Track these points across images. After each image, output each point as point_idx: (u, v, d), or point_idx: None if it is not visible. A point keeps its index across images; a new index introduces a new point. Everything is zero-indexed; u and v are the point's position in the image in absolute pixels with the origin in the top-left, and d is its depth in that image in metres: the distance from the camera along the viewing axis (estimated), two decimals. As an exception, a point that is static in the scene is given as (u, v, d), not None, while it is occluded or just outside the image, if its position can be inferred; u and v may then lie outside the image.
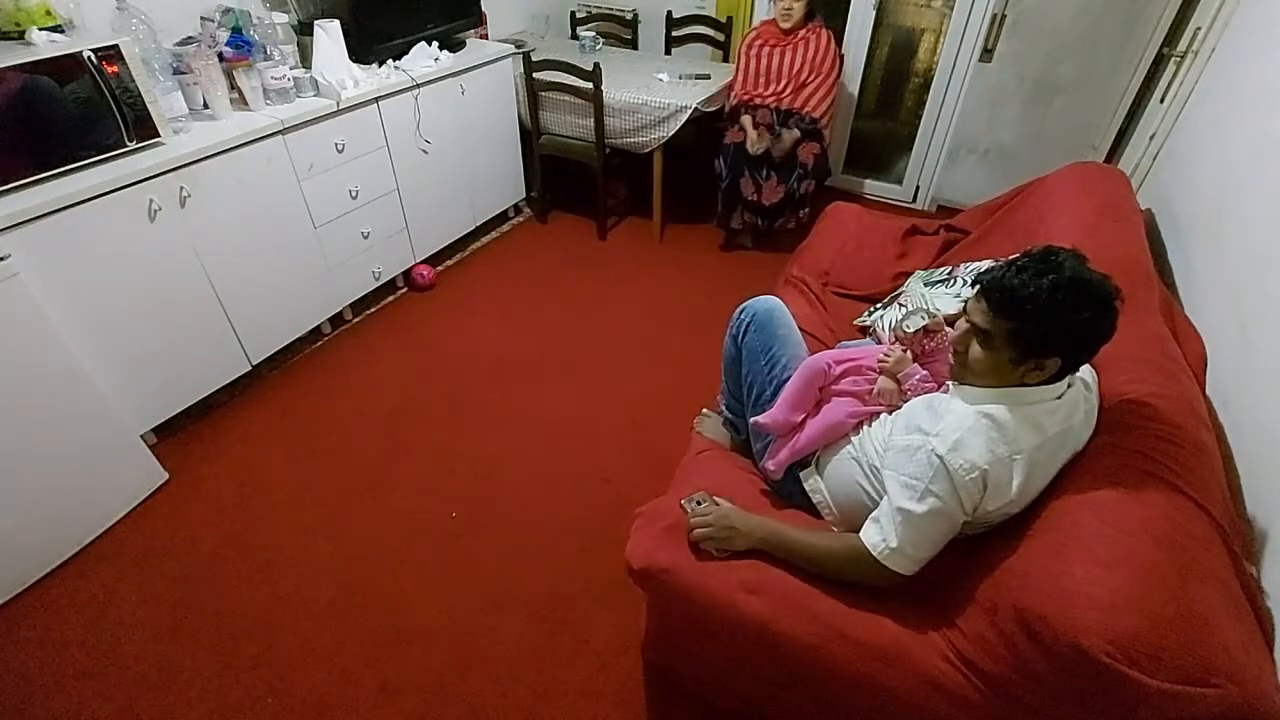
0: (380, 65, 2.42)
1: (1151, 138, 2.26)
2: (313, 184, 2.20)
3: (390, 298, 2.76)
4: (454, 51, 2.67)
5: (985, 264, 1.61)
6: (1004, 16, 2.87)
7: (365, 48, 2.36)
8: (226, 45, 2.04)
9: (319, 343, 2.49)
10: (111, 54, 1.66)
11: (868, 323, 1.86)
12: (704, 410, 1.68)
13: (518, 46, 3.02)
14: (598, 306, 2.74)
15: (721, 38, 3.50)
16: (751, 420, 1.40)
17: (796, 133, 2.78)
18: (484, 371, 2.36)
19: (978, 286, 1.03)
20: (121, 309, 1.78)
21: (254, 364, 2.21)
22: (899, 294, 1.86)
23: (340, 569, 1.70)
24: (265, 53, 2.13)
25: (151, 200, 1.76)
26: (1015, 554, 0.99)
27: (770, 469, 1.36)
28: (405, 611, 1.61)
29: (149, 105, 1.75)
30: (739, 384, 1.51)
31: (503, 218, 3.30)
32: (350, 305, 2.57)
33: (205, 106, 1.99)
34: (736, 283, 2.69)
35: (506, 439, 2.09)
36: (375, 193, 2.47)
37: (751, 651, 1.15)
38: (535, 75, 2.88)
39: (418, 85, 2.44)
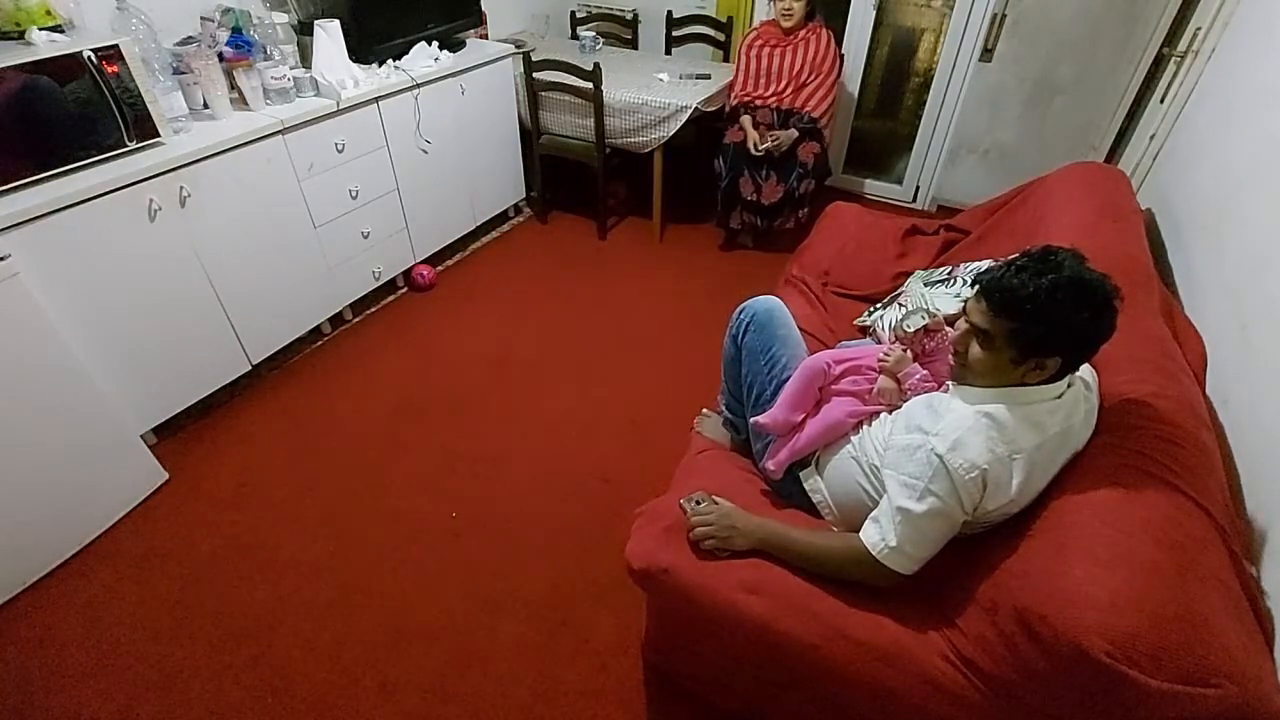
0: (380, 65, 2.42)
1: (1151, 138, 2.26)
2: (313, 184, 2.20)
3: (390, 298, 2.76)
4: (454, 51, 2.67)
5: (985, 264, 1.61)
6: (1004, 16, 2.87)
7: (365, 48, 2.36)
8: (226, 45, 2.04)
9: (319, 343, 2.49)
10: (111, 54, 1.66)
11: (868, 322, 1.86)
12: (704, 410, 1.68)
13: (518, 46, 3.02)
14: (597, 306, 2.74)
15: (722, 38, 3.50)
16: (751, 420, 1.40)
17: (794, 131, 2.78)
18: (484, 371, 2.36)
19: (977, 287, 1.03)
20: (121, 309, 1.78)
21: (254, 364, 2.21)
22: (899, 294, 1.86)
23: (340, 569, 1.70)
24: (265, 53, 2.13)
25: (151, 200, 1.76)
26: (1015, 554, 0.99)
27: (770, 469, 1.36)
28: (405, 611, 1.61)
29: (149, 105, 1.75)
30: (739, 384, 1.51)
31: (503, 218, 3.30)
32: (350, 305, 2.57)
33: (205, 106, 1.99)
34: (736, 282, 2.70)
35: (506, 439, 2.09)
36: (375, 193, 2.47)
37: (752, 651, 1.15)
38: (535, 75, 2.88)
39: (418, 85, 2.44)
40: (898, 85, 3.52)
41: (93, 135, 1.68)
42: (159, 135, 1.80)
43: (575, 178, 3.27)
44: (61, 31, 1.70)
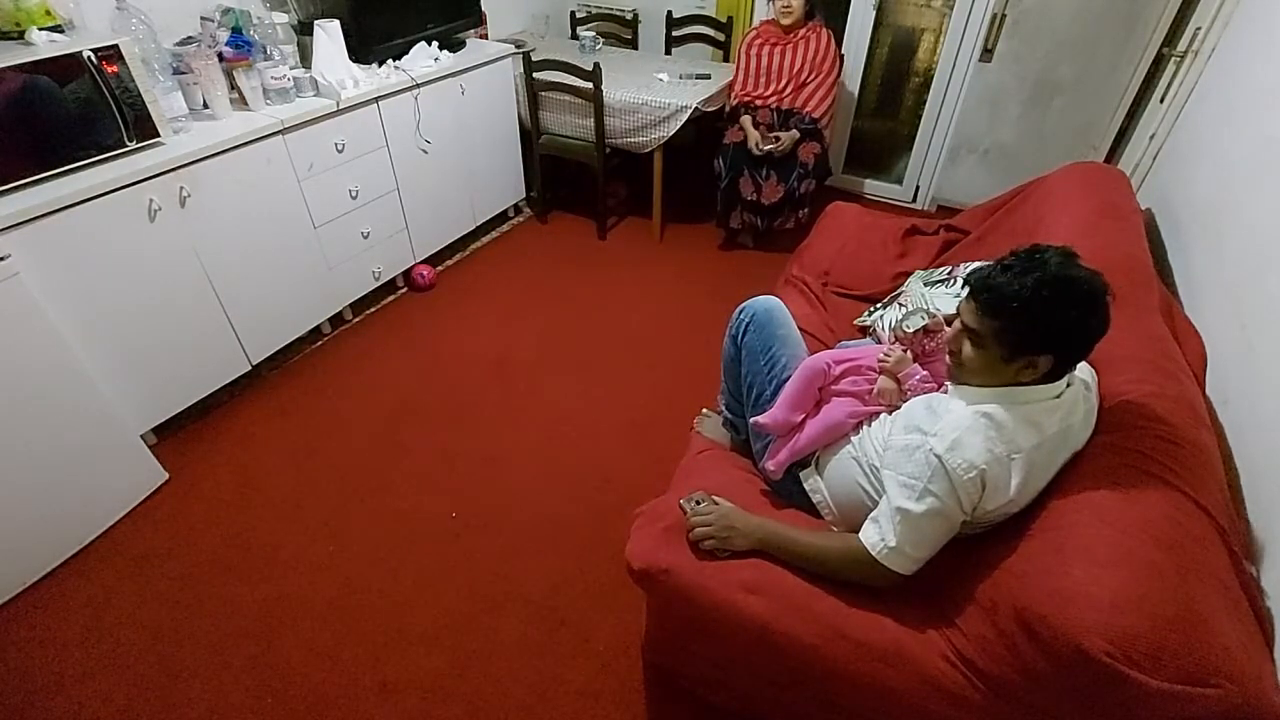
0: (380, 65, 2.42)
1: (1151, 137, 2.26)
2: (313, 184, 2.20)
3: (390, 297, 2.76)
4: (454, 51, 2.67)
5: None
6: (1004, 16, 2.87)
7: (365, 48, 2.36)
8: (226, 45, 2.04)
9: (319, 342, 2.49)
10: (111, 54, 1.66)
11: (868, 322, 1.86)
12: (704, 410, 1.68)
13: (518, 46, 3.02)
14: (597, 306, 2.74)
15: (722, 38, 3.50)
16: (751, 420, 1.40)
17: (796, 132, 2.78)
18: (484, 371, 2.36)
19: (967, 287, 1.03)
20: (121, 308, 1.79)
21: (254, 364, 2.21)
22: (899, 294, 1.86)
23: (340, 568, 1.70)
24: (265, 53, 2.13)
25: (151, 200, 1.76)
26: (1015, 554, 0.99)
27: (770, 469, 1.36)
28: (405, 611, 1.61)
29: (149, 105, 1.75)
30: (739, 384, 1.51)
31: (503, 217, 3.30)
32: (350, 305, 2.57)
33: (205, 106, 1.99)
34: (737, 282, 2.69)
35: (506, 439, 2.09)
36: (375, 193, 2.47)
37: (752, 652, 1.14)
38: (535, 75, 2.88)
39: (418, 85, 2.44)
40: (898, 85, 3.52)
41: (92, 135, 1.68)
42: (159, 135, 1.80)
43: (575, 178, 3.27)
44: (61, 31, 1.70)
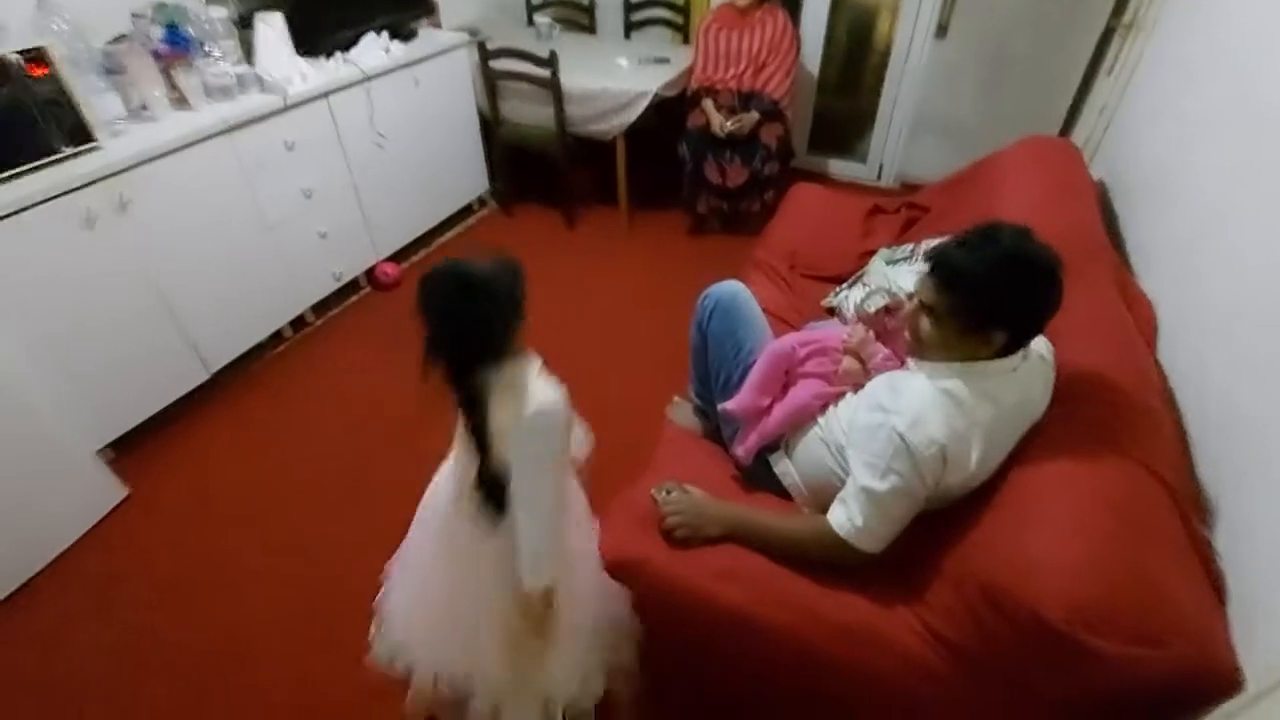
0: (328, 58, 2.35)
1: (1102, 110, 2.30)
2: (263, 184, 2.13)
3: (353, 297, 2.70)
4: (406, 42, 2.60)
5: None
6: (957, -8, 2.89)
7: (311, 40, 2.28)
8: (161, 42, 1.95)
9: (280, 347, 2.43)
10: (37, 56, 1.58)
11: (833, 303, 1.87)
12: (675, 398, 1.68)
13: (472, 35, 2.95)
14: (568, 296, 2.71)
15: (681, 20, 3.46)
16: (719, 406, 1.40)
17: (755, 114, 2.77)
18: (452, 369, 2.32)
19: (927, 264, 1.04)
20: (65, 322, 1.71)
21: (212, 373, 2.15)
22: (863, 273, 1.88)
23: (311, 583, 1.66)
24: (204, 49, 2.05)
25: (89, 208, 1.68)
26: (978, 526, 1.01)
27: (740, 455, 1.36)
28: (381, 618, 1.58)
29: (80, 108, 1.67)
30: (706, 371, 1.50)
31: (467, 211, 3.24)
32: (311, 308, 2.51)
33: (144, 108, 1.91)
34: (706, 267, 2.67)
35: (478, 437, 2.06)
36: (330, 191, 2.40)
37: (729, 639, 1.15)
38: (491, 64, 2.82)
39: (369, 78, 2.37)
40: (858, 64, 3.52)
41: (21, 143, 1.60)
42: (94, 139, 1.72)
43: (539, 167, 3.22)
44: (-21, 34, 1.61)
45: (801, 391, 1.31)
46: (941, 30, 2.99)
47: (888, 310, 1.33)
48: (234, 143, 2.00)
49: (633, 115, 2.76)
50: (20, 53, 1.56)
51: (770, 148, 2.78)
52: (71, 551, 1.73)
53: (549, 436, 0.97)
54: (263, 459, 2.00)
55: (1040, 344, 1.13)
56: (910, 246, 1.82)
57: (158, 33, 1.97)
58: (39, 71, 1.60)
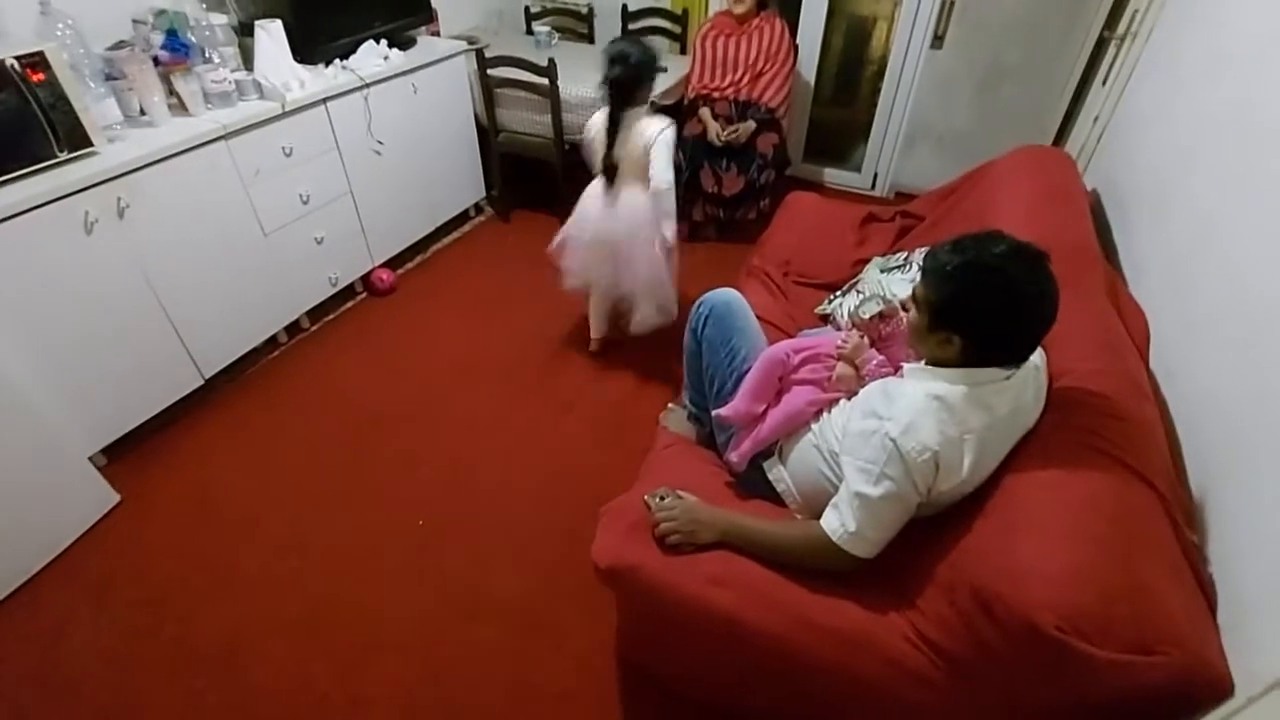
0: (327, 65, 2.36)
1: (1096, 119, 2.32)
2: (260, 190, 2.14)
3: (349, 303, 2.70)
4: (404, 49, 2.61)
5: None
6: (953, 3, 2.91)
7: (310, 48, 2.29)
8: (161, 49, 1.96)
9: (275, 353, 2.43)
10: (37, 61, 1.58)
11: (828, 310, 1.88)
12: (669, 404, 1.68)
13: (471, 43, 2.97)
14: (563, 305, 2.71)
15: (678, 30, 3.49)
16: (714, 413, 1.41)
17: (752, 123, 2.79)
18: (448, 375, 2.32)
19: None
20: (61, 327, 1.71)
21: (207, 378, 2.14)
22: (857, 281, 1.88)
23: (306, 584, 1.66)
24: (204, 55, 2.06)
25: (87, 212, 1.68)
26: (971, 533, 1.01)
27: (734, 461, 1.37)
28: (375, 622, 1.58)
29: (79, 113, 1.67)
30: (700, 378, 1.51)
31: (464, 217, 3.25)
32: (307, 313, 2.51)
33: (142, 113, 1.91)
34: (702, 274, 2.68)
35: (473, 443, 2.06)
36: (327, 197, 2.40)
37: (722, 645, 1.15)
38: (490, 72, 2.83)
39: (367, 85, 2.38)
40: (854, 74, 3.55)
41: (19, 147, 1.60)
42: (92, 144, 1.72)
43: (536, 175, 3.23)
44: (-21, 39, 1.62)
45: (795, 398, 1.31)
46: (937, 40, 3.02)
47: (882, 317, 1.34)
48: (232, 149, 2.00)
49: (630, 123, 2.77)
50: (19, 58, 1.56)
51: (766, 156, 2.80)
52: (66, 556, 1.71)
53: (669, 142, 1.87)
54: (258, 464, 1.99)
55: (1034, 353, 1.14)
56: (904, 255, 1.83)
57: (158, 39, 1.98)
58: (38, 76, 1.60)
